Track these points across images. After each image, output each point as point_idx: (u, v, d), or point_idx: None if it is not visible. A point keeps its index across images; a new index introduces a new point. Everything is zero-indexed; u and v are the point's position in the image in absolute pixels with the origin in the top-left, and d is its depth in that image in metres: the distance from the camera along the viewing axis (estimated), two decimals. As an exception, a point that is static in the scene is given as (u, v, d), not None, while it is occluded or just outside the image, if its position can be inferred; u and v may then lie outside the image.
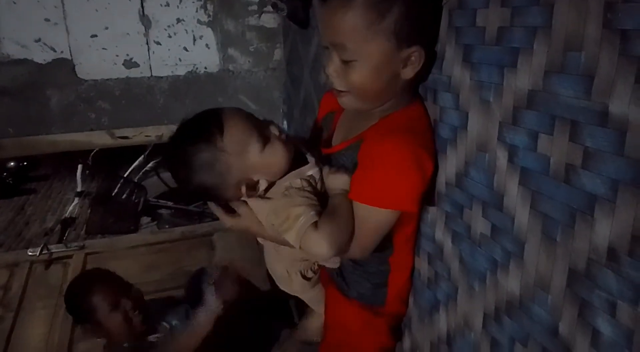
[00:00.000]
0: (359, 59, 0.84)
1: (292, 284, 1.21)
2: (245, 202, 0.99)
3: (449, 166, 0.94)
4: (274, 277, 1.25)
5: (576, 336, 0.68)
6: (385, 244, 1.01)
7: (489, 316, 0.88)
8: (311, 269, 1.22)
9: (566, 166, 0.66)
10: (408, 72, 0.87)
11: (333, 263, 1.13)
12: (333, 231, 0.90)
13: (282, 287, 1.26)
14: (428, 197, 0.99)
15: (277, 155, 0.93)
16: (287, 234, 0.91)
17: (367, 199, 0.91)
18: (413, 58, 0.85)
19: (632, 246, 0.58)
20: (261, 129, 0.93)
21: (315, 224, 0.90)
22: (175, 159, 0.94)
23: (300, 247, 0.91)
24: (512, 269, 0.80)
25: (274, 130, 0.95)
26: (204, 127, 0.91)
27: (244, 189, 0.94)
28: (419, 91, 1.01)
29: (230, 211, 1.02)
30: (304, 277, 1.21)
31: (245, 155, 0.91)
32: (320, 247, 0.89)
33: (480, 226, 0.87)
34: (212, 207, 1.04)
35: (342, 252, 0.95)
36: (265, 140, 0.92)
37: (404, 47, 0.83)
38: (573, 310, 0.68)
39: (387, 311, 1.16)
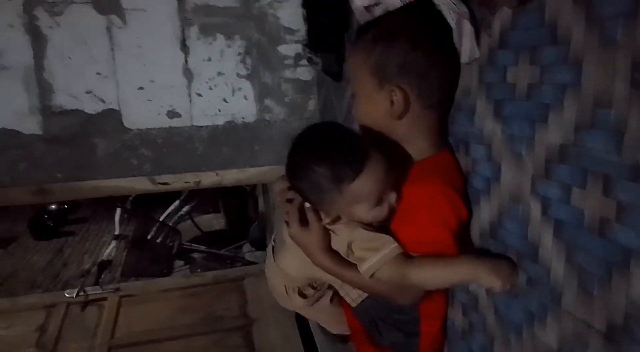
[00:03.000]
0: (357, 92, 1.00)
1: (291, 301, 1.20)
2: (317, 217, 0.97)
3: (483, 216, 0.95)
4: (273, 293, 1.24)
5: (617, 393, 0.67)
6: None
7: (526, 369, 0.86)
8: (311, 286, 1.20)
9: (600, 220, 0.67)
10: (396, 110, 0.93)
11: (352, 299, 1.13)
12: (424, 278, 0.90)
13: (282, 304, 1.25)
14: (462, 245, 1.00)
15: (376, 217, 0.93)
16: (362, 264, 0.91)
17: (410, 245, 0.92)
18: (395, 96, 0.91)
19: (670, 300, 0.58)
20: (385, 190, 0.90)
21: (403, 256, 0.90)
22: (298, 158, 0.92)
23: (371, 276, 0.91)
24: (549, 322, 0.79)
25: (391, 198, 0.92)
26: (343, 159, 0.87)
27: (327, 220, 0.95)
28: (452, 144, 1.04)
29: (303, 220, 0.98)
30: (301, 294, 1.19)
31: (353, 206, 0.90)
32: (396, 284, 0.91)
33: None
34: (291, 208, 0.99)
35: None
36: (379, 203, 0.91)
37: (384, 84, 0.92)
38: (613, 366, 0.67)
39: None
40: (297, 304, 1.21)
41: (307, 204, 0.97)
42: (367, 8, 1.02)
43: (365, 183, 0.87)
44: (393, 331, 1.14)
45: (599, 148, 0.66)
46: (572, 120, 0.70)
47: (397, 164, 0.97)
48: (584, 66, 0.67)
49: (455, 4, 0.87)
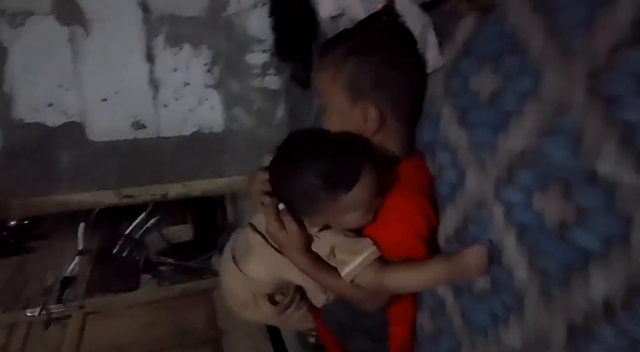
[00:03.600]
0: (328, 107, 0.99)
1: (259, 310, 1.15)
2: (300, 222, 0.96)
3: (449, 221, 0.97)
4: (233, 305, 1.20)
5: (580, 391, 0.69)
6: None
7: (493, 371, 0.88)
8: (282, 293, 1.17)
9: (560, 223, 0.69)
10: (370, 127, 0.94)
11: (318, 302, 1.13)
12: (400, 282, 0.92)
13: (244, 315, 1.20)
14: (430, 250, 1.01)
15: (363, 224, 0.94)
16: (342, 267, 0.91)
17: (383, 251, 0.93)
18: (369, 113, 0.93)
19: (626, 299, 0.61)
20: (376, 199, 0.91)
21: (378, 263, 0.91)
22: (287, 167, 0.90)
23: (351, 281, 0.91)
24: (512, 323, 0.81)
25: (378, 204, 0.93)
26: (340, 168, 0.86)
27: (314, 230, 0.95)
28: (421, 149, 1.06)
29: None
30: (273, 302, 1.15)
31: (345, 214, 0.90)
32: (374, 288, 0.92)
33: (481, 281, 0.89)
34: (270, 204, 0.96)
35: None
36: (369, 209, 0.92)
37: (358, 101, 0.93)
38: (575, 364, 0.69)
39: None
40: (265, 313, 1.16)
41: (282, 206, 0.95)
42: (333, 18, 1.03)
43: (361, 192, 0.87)
44: (361, 337, 1.15)
45: (558, 154, 0.68)
46: (533, 127, 0.72)
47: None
48: (544, 74, 0.70)
49: (419, 15, 0.89)
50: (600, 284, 0.64)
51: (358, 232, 0.96)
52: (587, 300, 0.67)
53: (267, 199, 0.96)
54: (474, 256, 0.86)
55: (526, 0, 0.71)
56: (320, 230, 0.96)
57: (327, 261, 0.96)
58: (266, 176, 0.97)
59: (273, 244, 1.01)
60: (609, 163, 0.61)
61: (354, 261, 0.90)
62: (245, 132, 1.94)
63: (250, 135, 1.94)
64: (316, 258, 0.97)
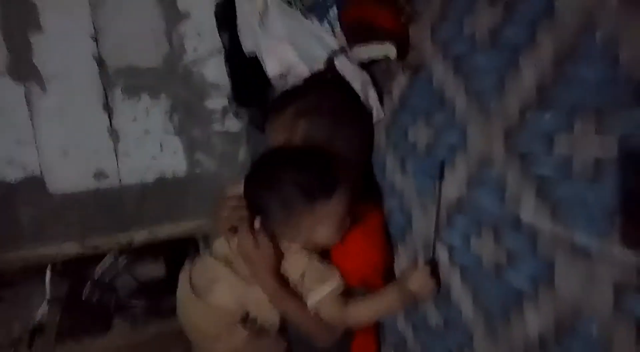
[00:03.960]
0: None
1: (232, 339, 1.08)
2: (274, 242, 0.97)
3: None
4: (201, 340, 1.16)
5: None
6: (346, 330, 1.06)
7: (453, 405, 0.92)
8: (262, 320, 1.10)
9: (495, 265, 0.75)
10: None
11: (271, 326, 1.10)
12: (357, 316, 0.97)
13: (216, 349, 1.12)
14: (387, 281, 1.05)
15: (332, 242, 0.96)
16: (310, 294, 0.95)
17: (346, 278, 0.99)
18: None
19: (557, 335, 0.66)
20: (346, 219, 0.94)
21: (342, 297, 0.96)
22: (264, 177, 0.92)
23: (315, 307, 0.96)
24: (466, 359, 0.86)
25: (348, 222, 0.96)
26: (319, 178, 0.89)
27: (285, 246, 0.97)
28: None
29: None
30: (244, 326, 1.08)
31: (318, 227, 0.92)
32: (335, 320, 0.97)
33: (435, 317, 0.94)
34: (245, 220, 0.97)
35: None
36: (341, 226, 0.94)
37: None
38: (521, 396, 0.74)
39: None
40: (240, 340, 1.08)
41: (257, 223, 0.96)
42: (281, 76, 1.09)
43: (337, 204, 0.90)
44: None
45: (487, 202, 0.75)
46: (464, 177, 0.79)
47: None
48: (468, 130, 0.77)
49: (358, 73, 0.96)
50: (534, 321, 0.70)
51: (326, 258, 1.00)
52: (525, 335, 0.72)
53: (242, 215, 0.97)
54: (418, 280, 0.91)
55: (449, 63, 0.78)
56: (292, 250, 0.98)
57: (294, 286, 0.99)
58: (235, 199, 0.98)
59: (237, 271, 1.03)
60: (529, 212, 0.67)
61: (321, 292, 0.95)
62: (208, 175, 1.97)
63: (214, 178, 1.97)
64: (282, 282, 0.98)
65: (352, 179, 0.99)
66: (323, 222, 0.92)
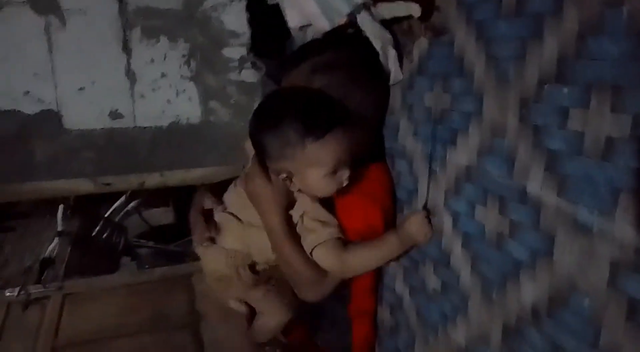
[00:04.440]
0: None
1: (241, 283, 1.13)
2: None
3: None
4: (215, 284, 1.21)
5: (510, 386, 0.76)
6: (343, 292, 1.09)
7: (441, 365, 0.96)
8: (266, 263, 1.13)
9: (497, 234, 0.76)
10: None
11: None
12: (355, 261, 0.98)
13: (218, 291, 1.23)
14: None
15: (323, 191, 0.95)
16: (309, 234, 0.96)
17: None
18: None
19: (550, 307, 0.68)
20: (341, 163, 0.92)
21: (341, 241, 0.97)
22: (271, 108, 0.93)
23: (310, 253, 0.97)
24: (459, 322, 0.88)
25: (344, 174, 0.94)
26: (317, 116, 0.88)
27: (282, 177, 0.95)
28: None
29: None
30: (254, 271, 1.12)
31: (309, 168, 0.91)
32: (333, 264, 0.97)
33: (433, 281, 0.96)
34: (255, 162, 1.00)
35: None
36: (332, 173, 0.92)
37: None
38: (507, 362, 0.77)
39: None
40: (247, 284, 1.13)
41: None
42: (301, 28, 1.07)
43: (327, 146, 0.88)
44: (328, 328, 1.21)
45: (496, 172, 0.75)
46: (475, 146, 0.78)
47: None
48: (484, 98, 0.76)
49: (380, 31, 0.94)
50: (529, 292, 0.71)
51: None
52: (519, 305, 0.74)
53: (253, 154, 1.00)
54: (415, 223, 0.93)
55: (471, 28, 0.76)
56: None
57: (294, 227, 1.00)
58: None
59: (242, 218, 1.06)
60: (536, 185, 0.67)
61: (320, 233, 0.95)
62: (222, 124, 1.97)
63: (227, 128, 1.97)
64: (286, 222, 0.99)
65: (362, 139, 1.00)
66: (312, 164, 0.90)
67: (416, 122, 0.95)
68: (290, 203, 0.99)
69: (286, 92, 0.95)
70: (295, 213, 0.99)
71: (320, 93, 0.93)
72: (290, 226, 0.99)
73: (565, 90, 0.61)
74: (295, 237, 0.98)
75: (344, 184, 0.95)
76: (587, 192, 0.59)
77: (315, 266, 0.98)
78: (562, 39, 0.61)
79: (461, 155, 0.82)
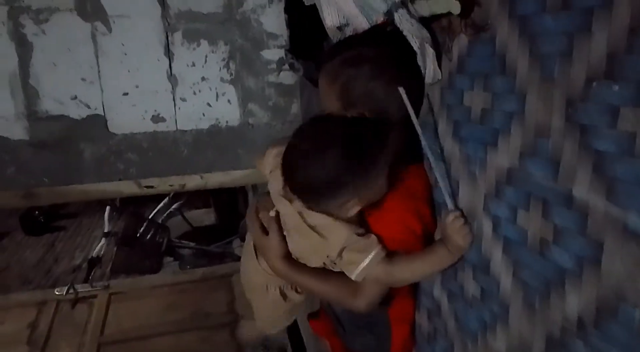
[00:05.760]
0: (326, 110, 1.02)
1: (266, 297, 1.20)
2: (278, 226, 1.03)
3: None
4: (246, 288, 1.27)
5: (555, 400, 0.73)
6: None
7: (481, 374, 0.92)
8: (294, 290, 1.19)
9: (540, 240, 0.72)
10: None
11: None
12: (404, 275, 0.97)
13: (252, 300, 1.27)
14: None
15: (384, 192, 0.95)
16: (354, 267, 0.95)
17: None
18: None
19: (596, 318, 0.64)
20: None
21: (386, 258, 0.94)
22: (311, 166, 0.89)
23: (361, 277, 0.95)
24: (499, 331, 0.85)
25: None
26: (360, 152, 0.87)
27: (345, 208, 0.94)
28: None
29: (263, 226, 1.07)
30: (282, 294, 1.19)
31: (373, 190, 0.92)
32: (386, 283, 0.99)
33: (472, 287, 0.92)
34: (250, 216, 1.09)
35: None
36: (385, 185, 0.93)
37: (348, 109, 0.96)
38: (551, 374, 0.73)
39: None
40: (272, 300, 1.20)
41: (272, 212, 1.03)
42: (339, 27, 1.06)
43: (382, 182, 0.91)
44: (365, 335, 1.19)
45: (539, 174, 0.71)
46: (517, 147, 0.75)
47: None
48: (528, 97, 0.72)
49: (418, 29, 0.91)
50: (575, 301, 0.67)
51: (363, 224, 0.99)
52: (563, 315, 0.70)
53: (250, 215, 1.08)
54: (451, 225, 0.89)
55: (514, 24, 0.73)
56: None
57: (332, 263, 1.00)
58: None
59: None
60: (583, 188, 0.63)
61: (364, 261, 0.94)
62: (260, 126, 1.98)
63: (266, 130, 1.99)
64: (294, 262, 1.04)
65: (393, 141, 0.98)
66: (367, 197, 0.92)
67: (454, 123, 0.92)
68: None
69: (325, 128, 0.92)
70: (331, 251, 0.97)
71: (357, 121, 0.91)
72: (298, 266, 1.04)
73: (616, 87, 0.58)
74: (308, 272, 1.03)
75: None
76: (638, 196, 0.56)
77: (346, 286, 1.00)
78: (612, 34, 0.57)
79: (502, 157, 0.79)
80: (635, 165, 0.56)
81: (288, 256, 1.04)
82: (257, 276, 1.19)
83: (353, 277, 0.95)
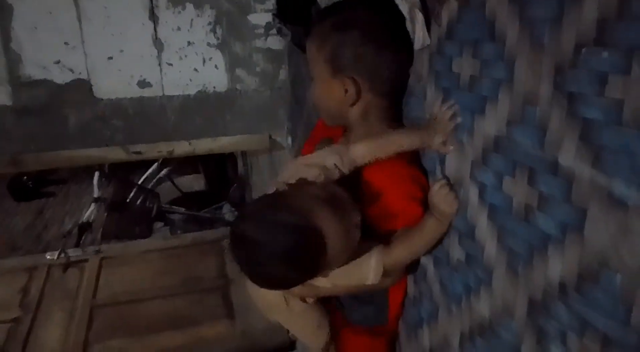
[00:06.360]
0: (314, 77, 1.03)
1: (290, 310, 1.12)
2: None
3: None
4: (262, 307, 1.18)
5: (535, 360, 0.75)
6: None
7: (464, 335, 0.95)
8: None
9: (525, 206, 0.73)
10: (349, 100, 0.98)
11: None
12: (400, 261, 0.97)
13: (269, 316, 1.20)
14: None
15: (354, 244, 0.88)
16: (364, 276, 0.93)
17: (383, 221, 0.97)
18: (348, 87, 0.96)
19: (578, 283, 0.65)
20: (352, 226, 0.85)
21: (385, 249, 0.93)
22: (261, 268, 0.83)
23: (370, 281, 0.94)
24: (483, 294, 0.87)
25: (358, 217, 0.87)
26: (307, 261, 0.81)
27: None
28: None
29: None
30: (302, 299, 1.13)
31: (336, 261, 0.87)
32: (395, 261, 0.96)
33: (457, 253, 0.94)
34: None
35: None
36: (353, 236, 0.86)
37: (337, 74, 0.96)
38: (532, 336, 0.75)
39: (389, 329, 1.23)
40: (298, 312, 1.14)
41: None
42: (326, -9, 1.03)
43: (335, 250, 0.82)
44: (364, 305, 1.21)
45: (526, 142, 0.71)
46: (505, 114, 0.75)
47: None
48: (516, 64, 0.72)
49: (407, -7, 0.90)
50: (557, 266, 0.69)
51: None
52: (546, 279, 0.71)
53: None
54: (437, 194, 0.89)
55: (505, -12, 0.72)
56: None
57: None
58: None
59: None
60: (569, 156, 0.64)
61: (370, 267, 0.92)
62: (248, 92, 1.97)
63: (254, 96, 1.97)
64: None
65: (381, 108, 0.98)
66: (338, 258, 0.85)
67: (444, 90, 0.91)
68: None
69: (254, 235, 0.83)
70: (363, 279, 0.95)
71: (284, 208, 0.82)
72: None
73: (605, 54, 0.57)
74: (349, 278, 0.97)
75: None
76: (624, 165, 0.56)
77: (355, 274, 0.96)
78: (603, -1, 0.57)
79: (490, 124, 0.79)
80: (622, 133, 0.56)
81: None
82: (269, 293, 1.08)
83: (369, 283, 0.94)
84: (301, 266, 0.82)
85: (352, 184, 0.95)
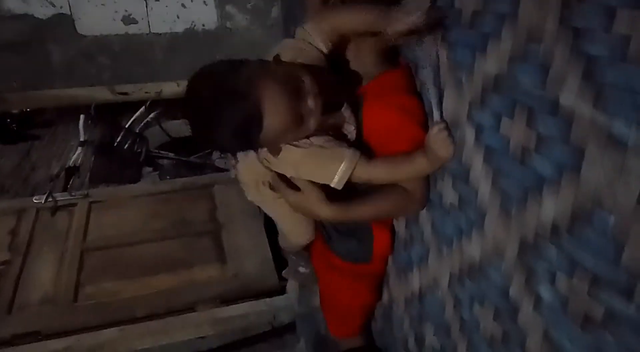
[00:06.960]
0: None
1: (260, 194, 1.14)
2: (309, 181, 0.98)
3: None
4: (244, 188, 1.20)
5: (523, 300, 0.76)
6: None
7: (454, 277, 0.96)
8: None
9: (522, 148, 0.72)
10: None
11: None
12: (380, 176, 0.96)
13: (249, 198, 1.21)
14: None
15: (307, 131, 0.89)
16: (332, 173, 0.93)
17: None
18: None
19: (570, 224, 0.65)
20: (298, 108, 0.84)
21: (365, 159, 0.93)
22: (200, 131, 0.87)
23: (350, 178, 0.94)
24: (474, 236, 0.87)
25: (310, 105, 0.85)
26: (239, 119, 0.81)
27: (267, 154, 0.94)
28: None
29: (293, 186, 1.01)
30: (272, 187, 1.12)
31: (279, 142, 0.90)
32: (374, 177, 0.96)
33: (450, 196, 0.94)
34: (277, 182, 1.03)
35: None
36: (300, 122, 0.85)
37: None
38: (521, 276, 0.76)
39: (372, 269, 1.24)
40: (266, 197, 1.15)
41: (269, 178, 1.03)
42: None
43: (274, 123, 0.82)
44: (348, 240, 1.22)
45: (527, 81, 0.69)
46: (507, 52, 0.72)
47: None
48: (521, -2, 0.68)
49: None
50: (551, 208, 0.68)
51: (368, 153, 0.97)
52: (538, 221, 0.71)
53: (274, 183, 1.03)
54: (435, 138, 0.88)
55: None
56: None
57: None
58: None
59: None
60: (571, 95, 0.62)
61: (340, 169, 0.93)
62: (239, 30, 1.90)
63: (245, 34, 1.90)
64: (339, 203, 0.98)
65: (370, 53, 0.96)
66: (280, 137, 0.87)
67: (444, 27, 0.88)
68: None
69: (197, 98, 0.87)
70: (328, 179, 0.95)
71: (224, 77, 0.83)
72: (344, 203, 0.98)
73: (615, -14, 0.54)
74: (356, 204, 0.99)
75: (319, 106, 0.86)
76: (627, 103, 0.54)
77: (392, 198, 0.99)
78: None
79: (491, 62, 0.76)
80: (627, 71, 0.54)
81: (330, 199, 0.97)
82: (247, 171, 1.12)
83: (332, 184, 0.95)
84: (233, 132, 0.83)
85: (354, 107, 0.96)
